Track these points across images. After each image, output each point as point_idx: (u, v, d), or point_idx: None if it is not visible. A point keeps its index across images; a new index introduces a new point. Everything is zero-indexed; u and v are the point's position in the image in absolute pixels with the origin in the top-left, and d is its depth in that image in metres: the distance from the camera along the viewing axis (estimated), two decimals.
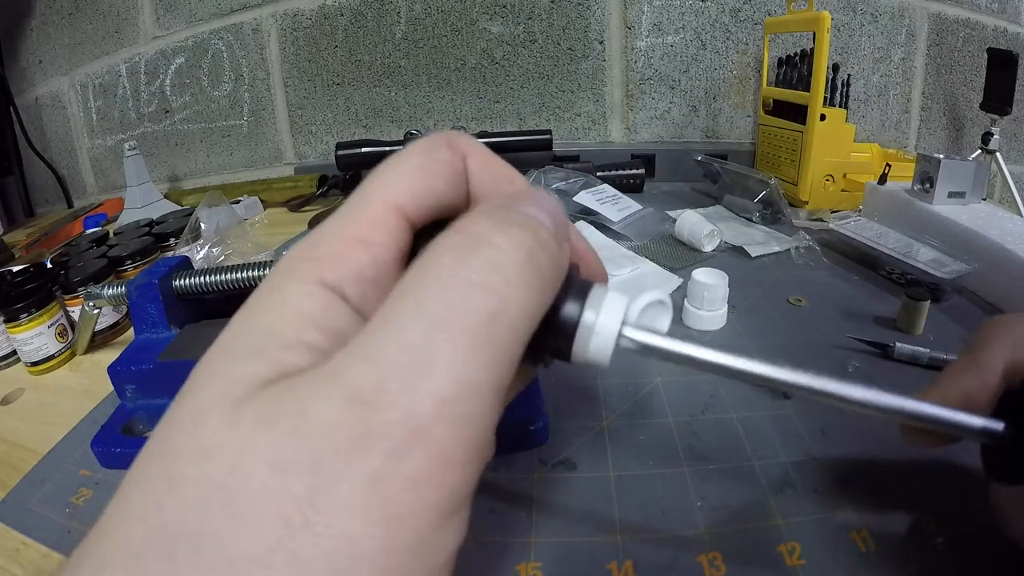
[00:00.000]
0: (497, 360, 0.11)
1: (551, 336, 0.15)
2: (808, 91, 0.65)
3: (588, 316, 0.15)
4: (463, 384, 0.11)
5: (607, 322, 0.15)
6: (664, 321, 0.19)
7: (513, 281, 0.12)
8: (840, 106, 0.72)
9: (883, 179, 0.60)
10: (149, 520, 0.10)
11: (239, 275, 0.38)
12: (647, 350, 0.16)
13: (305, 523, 0.10)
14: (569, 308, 0.15)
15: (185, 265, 0.41)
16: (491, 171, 0.16)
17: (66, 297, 0.50)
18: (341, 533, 0.10)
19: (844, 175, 0.69)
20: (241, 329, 0.13)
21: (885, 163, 0.61)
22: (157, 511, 0.10)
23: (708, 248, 0.58)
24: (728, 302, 0.44)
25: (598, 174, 0.75)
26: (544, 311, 0.13)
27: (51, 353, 0.47)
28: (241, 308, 0.13)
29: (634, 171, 0.78)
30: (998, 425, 0.18)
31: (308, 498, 0.10)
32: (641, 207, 0.67)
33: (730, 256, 0.57)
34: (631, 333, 0.16)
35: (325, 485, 0.10)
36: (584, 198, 0.65)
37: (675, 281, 0.51)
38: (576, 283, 0.16)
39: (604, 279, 0.18)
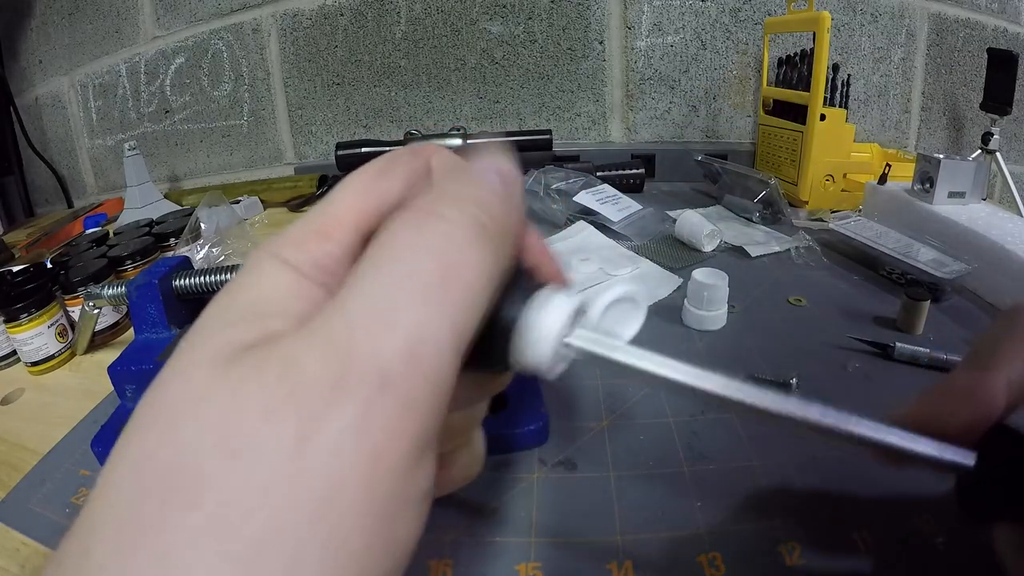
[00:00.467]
0: (453, 316, 0.13)
1: (493, 339, 0.14)
2: (808, 91, 0.65)
3: (528, 317, 0.14)
4: (422, 338, 0.12)
5: (548, 324, 0.14)
6: (633, 323, 0.17)
7: (463, 246, 0.13)
8: (840, 106, 0.72)
9: (883, 179, 0.60)
10: (143, 468, 0.11)
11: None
12: (594, 358, 0.15)
13: (296, 462, 0.11)
14: (509, 309, 0.14)
15: (185, 265, 0.41)
16: (452, 169, 0.17)
17: (66, 297, 0.50)
18: (329, 469, 0.11)
19: (844, 175, 0.69)
20: (222, 305, 0.14)
21: (885, 163, 0.61)
22: (150, 459, 0.11)
23: (708, 248, 0.58)
24: (728, 302, 0.44)
25: (598, 174, 0.75)
26: (499, 274, 0.14)
27: (51, 353, 0.47)
28: (218, 293, 0.15)
29: (634, 171, 0.78)
30: (969, 460, 0.16)
31: (298, 439, 0.11)
32: (641, 207, 0.67)
33: (730, 256, 0.57)
34: (575, 339, 0.14)
35: (313, 427, 0.11)
36: (584, 198, 0.65)
37: (675, 281, 0.51)
38: (524, 284, 0.15)
39: (561, 282, 0.18)
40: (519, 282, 0.15)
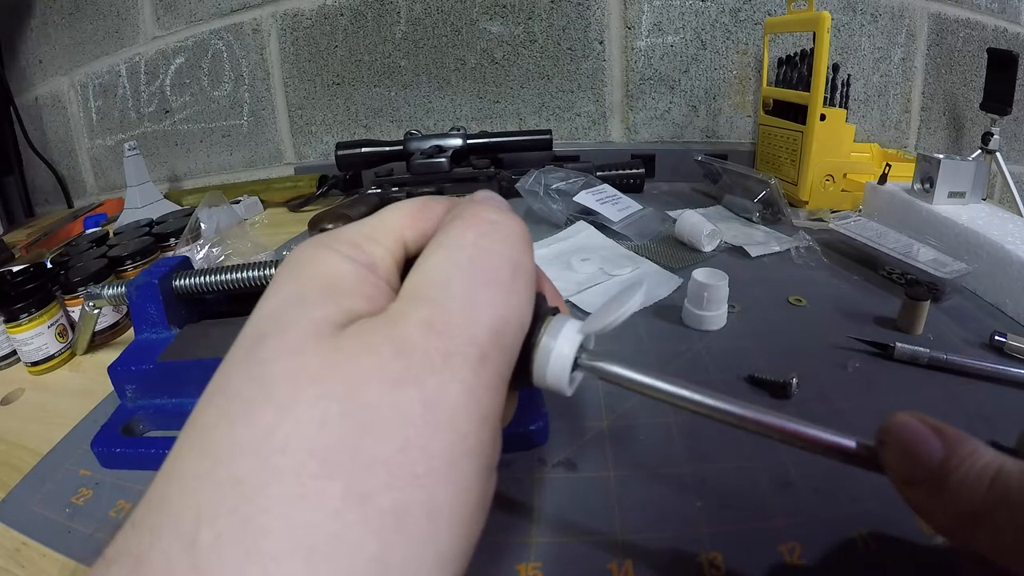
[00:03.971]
0: (521, 302, 0.15)
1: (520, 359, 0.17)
2: (808, 91, 0.65)
3: (547, 344, 0.17)
4: (504, 319, 0.14)
5: (563, 349, 0.17)
6: (634, 302, 0.19)
7: (522, 248, 0.16)
8: (840, 106, 0.72)
9: (883, 179, 0.60)
10: (261, 450, 0.11)
11: (239, 275, 0.38)
12: (605, 376, 0.18)
13: (425, 424, 0.12)
14: (534, 332, 0.17)
15: (185, 265, 0.41)
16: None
17: (66, 297, 0.50)
18: (454, 430, 0.12)
19: (844, 175, 0.69)
20: (293, 288, 0.15)
21: (885, 163, 0.61)
22: (267, 440, 0.11)
23: (708, 248, 0.58)
24: (728, 302, 0.44)
25: (598, 174, 0.75)
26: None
27: (51, 353, 0.47)
28: (273, 282, 0.16)
29: (634, 171, 0.78)
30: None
31: (423, 404, 0.12)
32: (641, 207, 0.67)
33: (730, 256, 0.57)
34: (587, 361, 0.17)
35: (433, 394, 0.12)
36: (584, 198, 0.65)
37: (675, 281, 0.51)
38: (543, 309, 0.18)
39: (562, 306, 0.20)
40: (539, 306, 0.17)
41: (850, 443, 0.17)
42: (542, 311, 0.17)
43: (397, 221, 0.18)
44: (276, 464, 0.11)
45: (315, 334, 0.13)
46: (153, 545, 0.11)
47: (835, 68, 0.71)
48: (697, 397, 0.18)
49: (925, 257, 0.48)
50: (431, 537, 0.12)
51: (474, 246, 0.15)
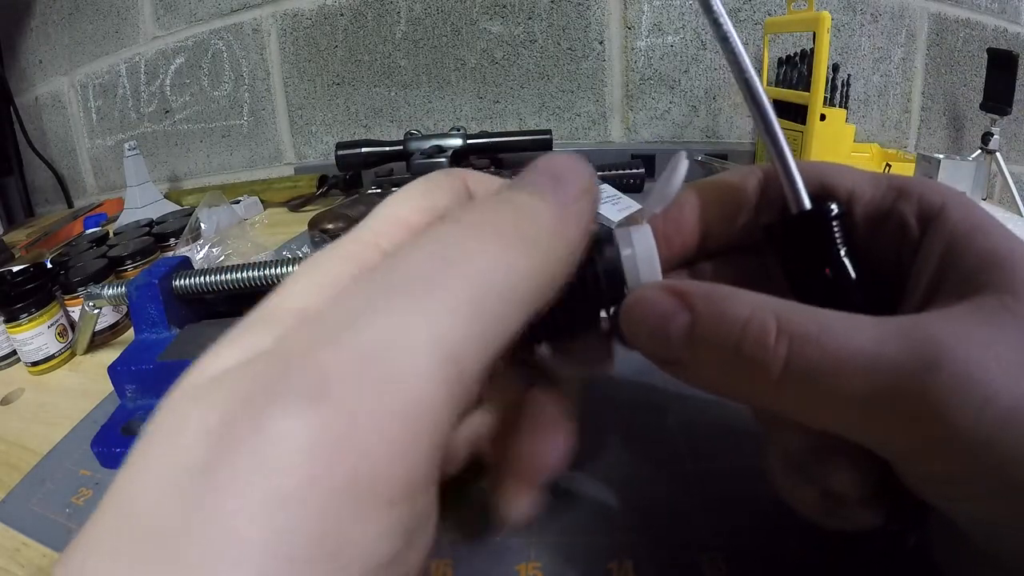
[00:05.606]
0: (452, 316, 0.11)
1: (601, 290, 0.17)
2: (808, 91, 0.65)
3: (626, 252, 0.17)
4: (390, 341, 0.10)
5: (649, 248, 0.17)
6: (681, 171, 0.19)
7: (484, 238, 0.12)
8: (840, 106, 0.72)
9: None
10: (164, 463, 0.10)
11: (239, 275, 0.38)
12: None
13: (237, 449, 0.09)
14: (609, 252, 0.17)
15: (185, 265, 0.41)
16: (488, 186, 0.17)
17: (66, 297, 0.50)
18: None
19: None
20: (248, 324, 0.13)
21: (885, 163, 0.61)
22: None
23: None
24: None
25: (598, 174, 0.75)
26: (548, 276, 0.13)
27: (51, 353, 0.47)
28: (263, 302, 0.14)
29: (634, 171, 0.78)
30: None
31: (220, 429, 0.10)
32: (641, 207, 0.67)
33: None
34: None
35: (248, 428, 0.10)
36: None
37: None
38: (602, 236, 0.17)
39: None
40: (598, 240, 0.17)
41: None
42: (601, 240, 0.17)
43: (398, 211, 0.15)
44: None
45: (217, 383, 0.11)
46: None
47: (835, 68, 0.71)
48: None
49: None
50: None
51: (448, 234, 0.12)
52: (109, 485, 0.10)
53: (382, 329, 0.10)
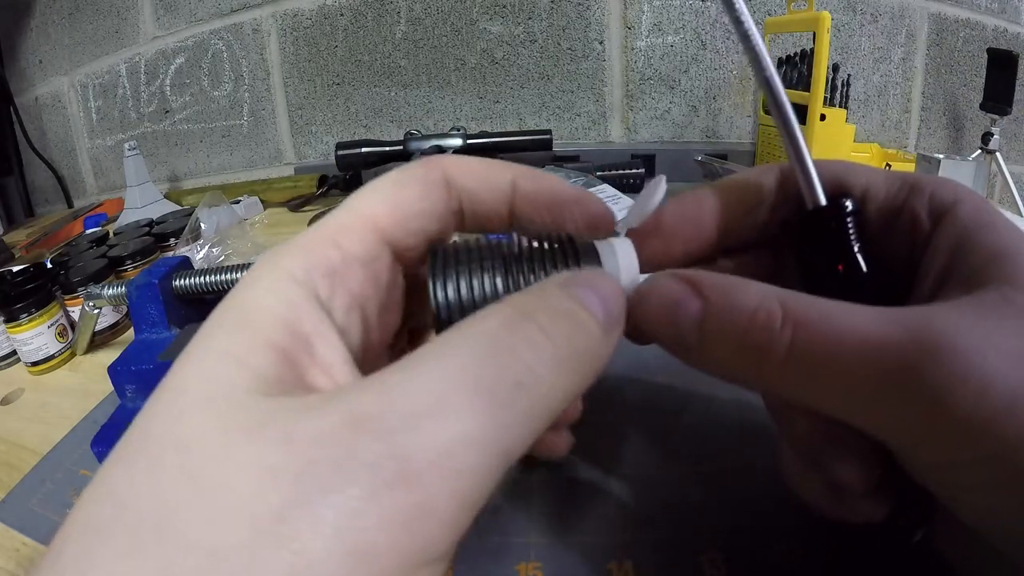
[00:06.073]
0: (512, 428, 0.11)
1: None
2: (808, 91, 0.65)
3: (610, 263, 0.17)
4: (469, 439, 0.11)
5: (631, 260, 0.17)
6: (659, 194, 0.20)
7: (549, 363, 0.12)
8: (840, 106, 0.72)
9: None
10: (122, 499, 0.11)
11: (239, 275, 0.38)
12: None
13: (273, 532, 0.10)
14: (591, 263, 0.17)
15: (185, 265, 0.41)
16: (476, 176, 0.17)
17: (66, 297, 0.50)
18: (304, 552, 0.10)
19: None
20: (217, 326, 0.13)
21: (885, 163, 0.61)
22: (130, 491, 0.11)
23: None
24: None
25: (598, 174, 0.75)
26: (580, 393, 0.14)
27: (51, 353, 0.47)
28: (223, 300, 0.14)
29: (634, 171, 0.78)
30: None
31: (281, 508, 0.10)
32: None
33: None
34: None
35: (301, 499, 0.10)
36: None
37: None
38: (582, 251, 0.17)
39: (606, 216, 0.19)
40: (578, 252, 0.17)
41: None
42: (581, 254, 0.17)
43: (364, 208, 0.15)
44: (119, 521, 0.10)
45: (207, 399, 0.11)
46: None
47: (835, 68, 0.71)
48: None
49: None
50: None
51: (487, 338, 0.12)
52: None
53: (460, 429, 0.11)
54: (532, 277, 0.16)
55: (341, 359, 0.13)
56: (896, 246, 0.19)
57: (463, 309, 0.16)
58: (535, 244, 0.17)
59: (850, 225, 0.18)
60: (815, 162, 0.19)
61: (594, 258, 0.17)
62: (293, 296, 0.13)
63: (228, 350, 0.12)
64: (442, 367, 0.11)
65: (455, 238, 0.18)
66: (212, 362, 0.12)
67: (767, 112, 0.75)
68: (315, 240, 0.14)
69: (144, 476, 0.11)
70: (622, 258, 0.17)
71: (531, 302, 0.13)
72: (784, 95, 0.19)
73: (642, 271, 0.18)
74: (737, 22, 0.19)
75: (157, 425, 0.12)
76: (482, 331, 0.12)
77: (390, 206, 0.15)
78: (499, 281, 0.16)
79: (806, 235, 0.19)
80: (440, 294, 0.16)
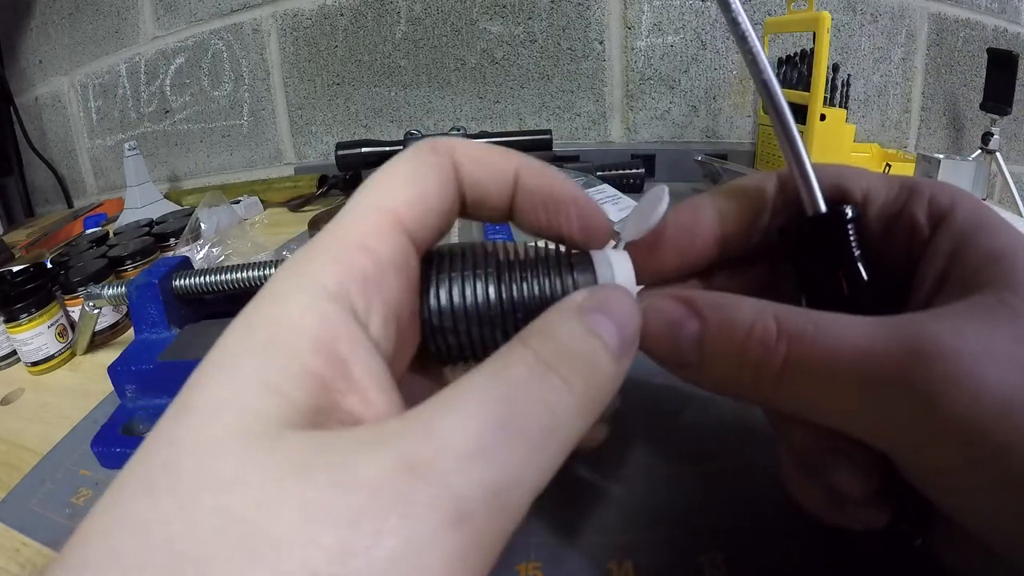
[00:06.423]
0: (545, 467, 0.13)
1: None
2: (808, 91, 0.65)
3: (605, 276, 0.17)
4: (513, 481, 0.12)
5: (627, 271, 0.17)
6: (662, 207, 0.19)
7: (571, 410, 0.13)
8: (840, 106, 0.72)
9: None
10: (153, 537, 0.10)
11: (239, 275, 0.38)
12: None
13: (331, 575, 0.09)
14: (588, 277, 0.17)
15: (185, 265, 0.41)
16: (482, 165, 0.17)
17: (66, 297, 0.50)
18: None
19: None
20: (241, 346, 0.12)
21: (885, 163, 0.61)
22: (162, 529, 0.10)
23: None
24: None
25: (598, 174, 0.75)
26: (597, 417, 0.14)
27: (51, 353, 0.47)
28: (241, 314, 0.13)
29: (634, 171, 0.78)
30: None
31: (339, 553, 0.10)
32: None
33: None
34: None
35: (360, 543, 0.10)
36: None
37: None
38: (576, 262, 0.17)
39: (603, 224, 0.18)
40: (572, 266, 0.17)
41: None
42: (576, 269, 0.17)
43: (387, 205, 0.14)
44: (151, 559, 0.10)
45: (241, 432, 0.11)
46: None
47: (835, 68, 0.71)
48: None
49: None
50: None
51: (519, 388, 0.12)
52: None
53: (506, 473, 0.12)
54: (526, 286, 0.16)
55: (376, 383, 0.13)
56: (895, 251, 0.19)
57: (455, 316, 0.16)
58: (530, 253, 0.17)
59: (851, 231, 0.18)
60: (814, 166, 0.19)
61: (589, 270, 0.17)
62: (329, 314, 0.13)
63: (261, 376, 0.12)
64: (483, 411, 0.12)
65: (448, 240, 0.18)
66: (244, 390, 0.12)
67: (767, 112, 0.75)
68: (343, 244, 0.14)
69: (177, 514, 0.10)
70: (619, 273, 0.17)
71: (551, 349, 0.13)
72: (782, 97, 0.19)
73: (638, 283, 0.18)
74: (733, 23, 0.19)
75: (188, 459, 0.11)
76: (509, 380, 0.13)
77: (411, 201, 0.15)
78: (491, 290, 0.16)
79: (806, 242, 0.19)
80: (433, 301, 0.16)
